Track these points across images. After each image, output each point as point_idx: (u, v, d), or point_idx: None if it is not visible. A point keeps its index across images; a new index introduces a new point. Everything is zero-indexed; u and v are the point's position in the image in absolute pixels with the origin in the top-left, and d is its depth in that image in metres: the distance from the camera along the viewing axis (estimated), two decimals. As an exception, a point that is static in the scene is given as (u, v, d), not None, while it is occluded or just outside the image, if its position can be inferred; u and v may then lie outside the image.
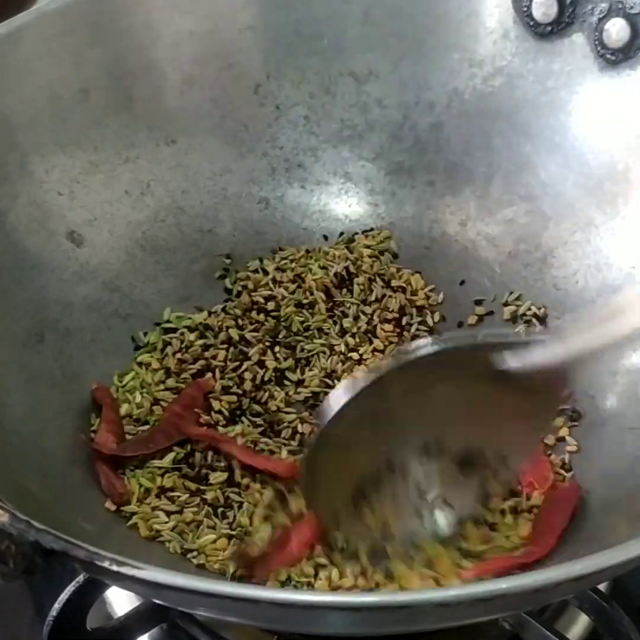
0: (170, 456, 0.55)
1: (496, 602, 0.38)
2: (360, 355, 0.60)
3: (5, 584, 0.41)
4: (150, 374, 0.59)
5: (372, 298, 0.62)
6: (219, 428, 0.56)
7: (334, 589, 0.49)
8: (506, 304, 0.63)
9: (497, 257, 0.64)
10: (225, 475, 0.54)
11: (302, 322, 0.61)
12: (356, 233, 0.66)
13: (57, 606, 0.50)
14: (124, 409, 0.57)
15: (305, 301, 0.62)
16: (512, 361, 0.48)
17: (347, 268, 0.63)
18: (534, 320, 0.61)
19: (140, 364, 0.60)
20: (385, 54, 0.65)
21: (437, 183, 0.66)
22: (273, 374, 0.59)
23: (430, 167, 0.66)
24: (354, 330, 0.61)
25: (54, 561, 0.39)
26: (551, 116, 0.62)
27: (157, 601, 0.50)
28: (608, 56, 0.60)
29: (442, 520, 0.51)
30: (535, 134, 0.62)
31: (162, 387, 0.58)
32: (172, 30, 0.63)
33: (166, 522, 0.52)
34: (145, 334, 0.61)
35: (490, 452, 0.51)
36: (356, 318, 0.61)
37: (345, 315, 0.61)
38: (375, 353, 0.60)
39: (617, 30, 0.59)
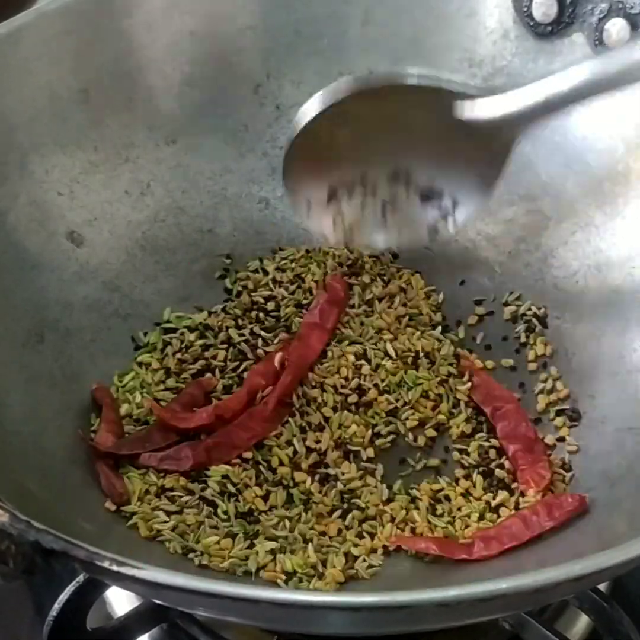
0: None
1: (496, 602, 0.38)
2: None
3: (5, 584, 0.41)
4: (150, 374, 0.59)
5: (372, 298, 0.62)
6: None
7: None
8: (506, 304, 0.63)
9: (497, 257, 0.64)
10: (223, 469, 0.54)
11: (302, 320, 0.61)
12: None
13: (57, 606, 0.50)
14: (124, 409, 0.57)
15: (304, 302, 0.62)
16: (467, 111, 0.56)
17: (347, 268, 0.63)
18: (534, 320, 0.61)
19: (140, 364, 0.60)
20: (385, 54, 0.65)
21: (437, 183, 0.66)
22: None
23: (430, 167, 0.66)
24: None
25: (54, 561, 0.39)
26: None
27: (157, 601, 0.50)
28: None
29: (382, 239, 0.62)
30: (535, 134, 0.62)
31: (162, 387, 0.58)
32: (172, 30, 0.63)
33: (166, 522, 0.52)
34: (145, 334, 0.61)
35: (448, 193, 0.60)
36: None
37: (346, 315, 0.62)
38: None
39: (617, 30, 0.59)
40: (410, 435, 0.57)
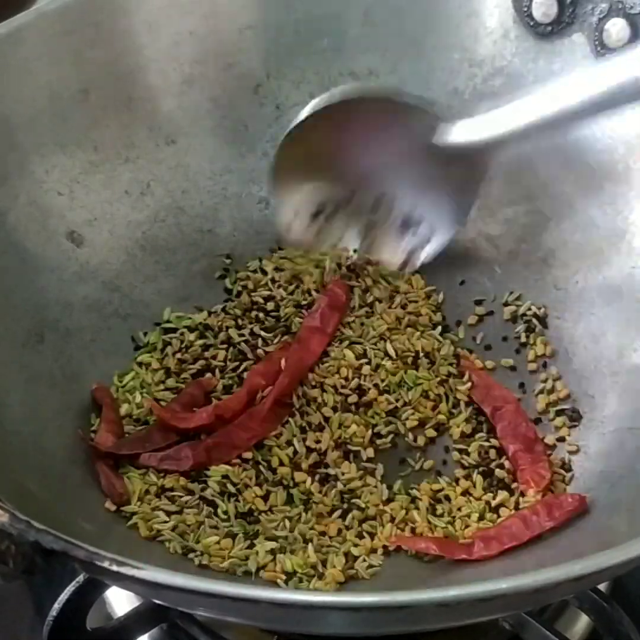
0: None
1: (496, 602, 0.38)
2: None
3: (5, 584, 0.41)
4: (150, 374, 0.59)
5: (373, 300, 0.62)
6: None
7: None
8: (506, 304, 0.63)
9: (497, 257, 0.64)
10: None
11: (302, 323, 0.61)
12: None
13: (57, 606, 0.50)
14: (124, 409, 0.57)
15: (303, 302, 0.62)
16: (444, 136, 0.58)
17: (347, 268, 0.63)
18: (534, 320, 0.61)
19: (140, 364, 0.60)
20: (385, 54, 0.65)
21: (438, 183, 0.66)
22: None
23: (430, 167, 0.66)
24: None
25: (54, 561, 0.39)
26: (551, 116, 0.62)
27: (157, 601, 0.50)
28: (608, 56, 0.60)
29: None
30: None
31: (162, 387, 0.58)
32: (172, 30, 0.63)
33: (166, 522, 0.52)
34: (145, 334, 0.61)
35: (427, 222, 0.62)
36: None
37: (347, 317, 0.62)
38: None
39: (617, 30, 0.59)
40: (410, 435, 0.57)
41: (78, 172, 0.61)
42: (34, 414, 0.53)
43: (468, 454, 0.56)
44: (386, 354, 0.59)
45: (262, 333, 0.60)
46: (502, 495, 0.54)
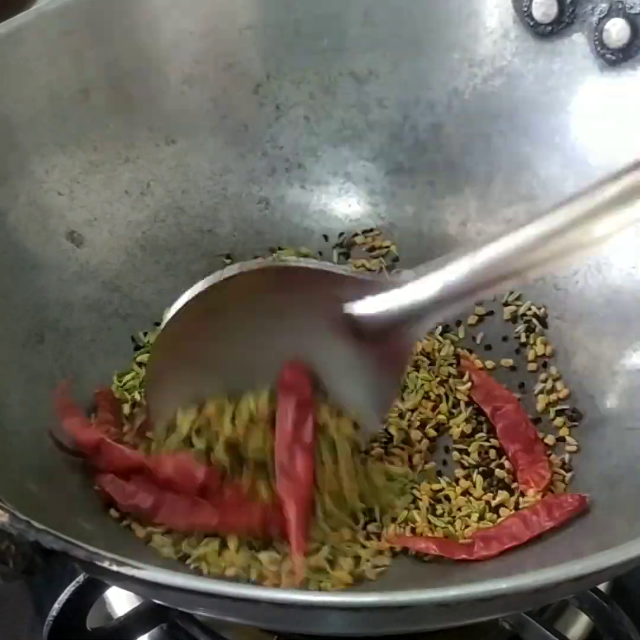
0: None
1: (496, 602, 0.38)
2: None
3: (5, 584, 0.41)
4: (150, 374, 0.59)
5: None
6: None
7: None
8: (506, 304, 0.63)
9: (497, 257, 0.64)
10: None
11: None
12: (356, 233, 0.66)
13: (57, 606, 0.50)
14: (124, 409, 0.57)
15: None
16: (358, 307, 0.49)
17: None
18: (534, 320, 0.61)
19: (140, 364, 0.59)
20: (385, 54, 0.65)
21: (437, 183, 0.66)
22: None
23: (430, 167, 0.66)
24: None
25: (54, 561, 0.39)
26: (551, 116, 0.62)
27: (157, 601, 0.50)
28: (608, 56, 0.60)
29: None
30: (535, 134, 0.62)
31: (162, 387, 0.58)
32: (172, 30, 0.63)
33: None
34: (145, 334, 0.61)
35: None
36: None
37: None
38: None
39: (617, 30, 0.59)
40: (412, 435, 0.57)
41: (78, 172, 0.61)
42: (34, 414, 0.53)
43: (468, 454, 0.56)
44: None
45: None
46: (502, 495, 0.54)
